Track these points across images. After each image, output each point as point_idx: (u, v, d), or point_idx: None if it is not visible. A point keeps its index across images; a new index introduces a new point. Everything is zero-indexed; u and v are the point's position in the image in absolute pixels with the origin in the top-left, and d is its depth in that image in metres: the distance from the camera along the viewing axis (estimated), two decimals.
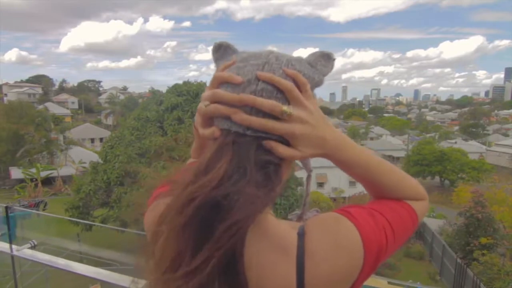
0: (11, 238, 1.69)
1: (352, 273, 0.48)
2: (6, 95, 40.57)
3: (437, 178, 26.21)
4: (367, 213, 0.51)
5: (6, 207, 1.93)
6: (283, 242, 0.48)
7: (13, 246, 1.61)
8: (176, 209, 0.46)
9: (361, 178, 0.58)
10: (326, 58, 0.55)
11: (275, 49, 0.55)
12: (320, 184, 20.60)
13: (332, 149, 0.52)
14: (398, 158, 30.85)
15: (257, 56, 0.52)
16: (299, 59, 0.54)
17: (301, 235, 0.48)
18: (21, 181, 18.33)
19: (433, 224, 13.80)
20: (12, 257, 1.61)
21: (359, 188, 18.35)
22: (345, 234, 0.48)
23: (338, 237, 0.47)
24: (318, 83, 0.56)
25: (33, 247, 1.64)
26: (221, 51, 0.56)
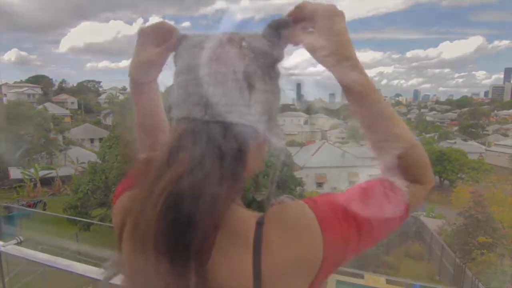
0: None
1: (311, 263, 0.46)
2: (5, 95, 40.53)
3: (436, 178, 26.22)
4: (334, 201, 0.49)
5: None
6: (241, 230, 0.46)
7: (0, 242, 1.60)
8: (143, 203, 0.45)
9: (363, 105, 0.52)
10: (273, 27, 0.51)
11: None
12: (319, 184, 20.59)
13: (342, 46, 0.50)
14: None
15: (210, 39, 0.50)
16: (254, 35, 0.51)
17: (260, 224, 0.46)
18: (20, 181, 18.31)
19: (432, 224, 13.78)
20: (0, 252, 1.61)
21: None
22: (304, 223, 0.46)
23: (296, 226, 0.46)
24: (278, 58, 0.52)
25: (19, 243, 1.64)
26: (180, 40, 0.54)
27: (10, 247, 1.60)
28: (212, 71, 0.47)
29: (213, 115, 0.46)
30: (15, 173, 19.58)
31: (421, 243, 13.54)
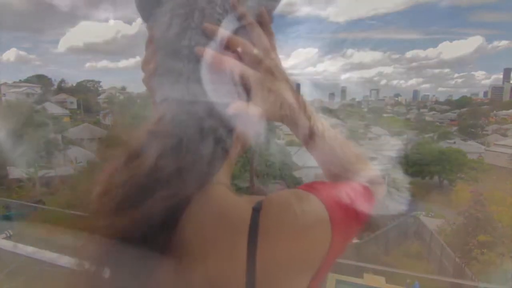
0: None
1: (315, 257, 0.41)
2: (4, 95, 40.44)
3: (436, 178, 26.20)
4: (333, 188, 0.47)
5: None
6: (232, 216, 0.41)
7: None
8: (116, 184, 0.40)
9: (321, 153, 0.54)
10: None
11: None
12: None
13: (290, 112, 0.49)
14: (397, 157, 30.89)
15: (185, 2, 0.42)
16: None
17: (257, 210, 0.40)
18: (20, 180, 18.29)
19: (432, 223, 13.79)
20: None
21: None
22: (310, 211, 0.41)
23: (302, 214, 0.40)
24: (270, 10, 0.47)
25: (8, 237, 1.62)
26: (145, 7, 0.47)
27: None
28: (192, 42, 0.41)
29: (195, 94, 0.41)
30: (14, 172, 19.56)
31: (420, 243, 13.54)
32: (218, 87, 0.42)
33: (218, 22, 0.42)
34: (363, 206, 0.48)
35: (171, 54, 0.42)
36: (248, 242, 0.39)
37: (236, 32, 0.43)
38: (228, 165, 0.49)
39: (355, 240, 13.32)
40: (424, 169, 24.98)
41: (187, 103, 0.42)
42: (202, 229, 0.41)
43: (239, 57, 0.44)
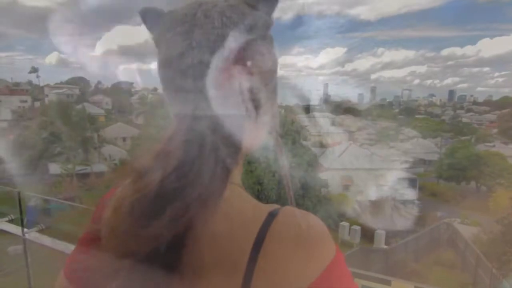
0: (22, 222, 1.78)
1: (312, 273, 0.39)
2: (47, 95, 43.30)
3: (472, 183, 24.75)
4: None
5: (19, 193, 2.02)
6: (246, 217, 0.42)
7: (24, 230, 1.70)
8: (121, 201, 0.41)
9: None
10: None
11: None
12: (346, 187, 20.14)
13: None
14: (430, 161, 29.48)
15: (183, 19, 0.42)
16: (234, 5, 0.43)
17: (273, 214, 0.41)
18: (59, 176, 19.49)
19: (467, 231, 13.06)
20: (24, 239, 1.70)
21: (387, 192, 17.73)
22: (320, 229, 0.42)
23: (313, 239, 0.41)
24: (266, 26, 0.46)
25: (41, 231, 1.72)
26: (148, 18, 0.47)
27: (32, 234, 1.69)
28: (195, 61, 0.41)
29: (203, 109, 0.41)
30: (53, 168, 20.87)
31: (453, 251, 12.86)
32: (226, 102, 0.42)
33: (222, 37, 0.41)
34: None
35: (176, 72, 0.43)
36: (255, 242, 0.39)
37: (244, 45, 0.42)
38: (238, 166, 0.48)
39: (383, 246, 12.87)
40: (459, 174, 23.69)
41: (195, 119, 0.42)
42: (214, 225, 0.40)
43: (249, 71, 0.43)
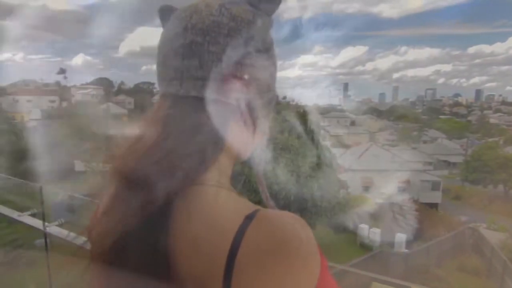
0: (44, 216, 1.86)
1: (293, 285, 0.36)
2: (73, 96, 45.15)
3: (500, 187, 23.64)
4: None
5: (40, 187, 2.10)
6: (222, 221, 0.38)
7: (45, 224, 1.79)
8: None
9: None
10: None
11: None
12: (366, 188, 19.75)
13: None
14: (454, 163, 28.41)
15: (186, 8, 0.45)
16: (236, 2, 0.44)
17: (250, 218, 0.38)
18: (84, 173, 20.22)
19: (493, 237, 12.50)
20: (45, 233, 1.78)
21: (409, 194, 17.25)
22: (305, 251, 0.37)
23: (293, 249, 0.36)
24: (265, 27, 0.46)
25: (60, 225, 1.80)
26: (164, 15, 0.49)
27: (53, 228, 1.78)
28: (187, 41, 0.42)
29: (188, 90, 0.42)
30: (79, 166, 21.68)
31: (479, 257, 12.35)
32: (214, 86, 0.42)
33: (217, 24, 0.42)
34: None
35: (169, 51, 0.44)
36: (228, 255, 0.36)
37: (243, 57, 0.43)
38: (225, 163, 0.46)
39: (404, 250, 12.51)
40: (486, 177, 22.67)
41: (178, 99, 0.43)
42: (190, 231, 0.39)
43: (246, 84, 0.43)
